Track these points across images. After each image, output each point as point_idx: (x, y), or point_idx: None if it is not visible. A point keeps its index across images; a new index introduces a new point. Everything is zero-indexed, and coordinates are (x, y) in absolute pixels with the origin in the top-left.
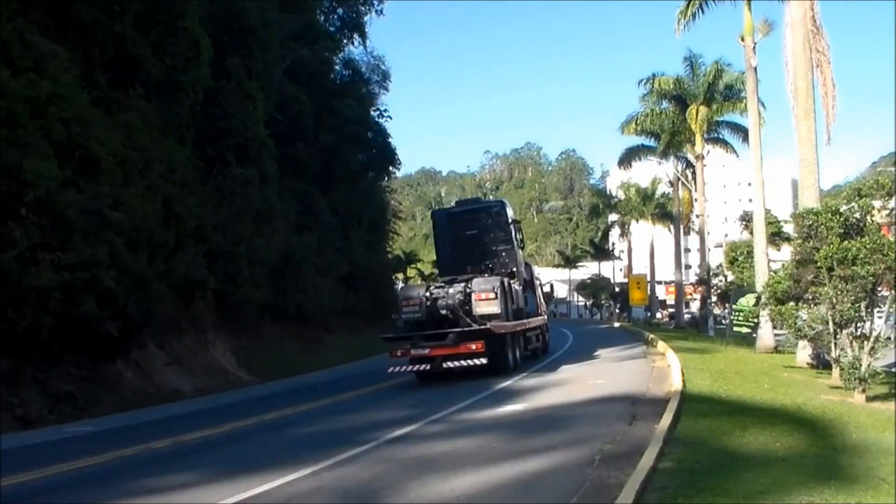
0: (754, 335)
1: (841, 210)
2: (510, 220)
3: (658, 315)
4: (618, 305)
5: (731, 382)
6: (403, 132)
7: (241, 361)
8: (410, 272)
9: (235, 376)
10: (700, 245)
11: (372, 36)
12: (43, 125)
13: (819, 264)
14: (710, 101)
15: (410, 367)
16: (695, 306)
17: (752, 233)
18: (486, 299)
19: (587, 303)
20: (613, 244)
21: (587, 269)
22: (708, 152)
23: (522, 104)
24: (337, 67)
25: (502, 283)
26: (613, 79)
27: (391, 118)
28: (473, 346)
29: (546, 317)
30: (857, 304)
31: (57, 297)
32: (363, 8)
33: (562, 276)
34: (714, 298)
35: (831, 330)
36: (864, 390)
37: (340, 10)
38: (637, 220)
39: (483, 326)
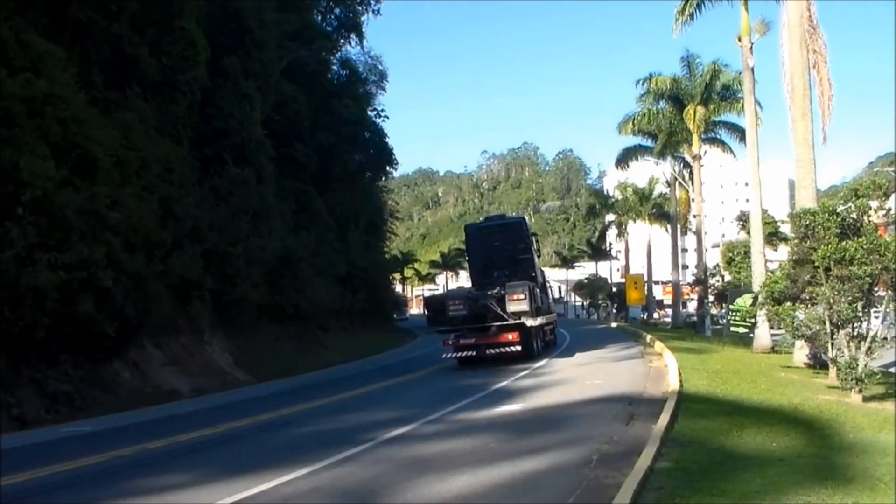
0: (751, 335)
1: (838, 210)
2: (529, 233)
3: (655, 315)
4: (615, 305)
5: (728, 382)
6: (400, 132)
7: (238, 361)
8: (408, 272)
9: (232, 376)
10: (697, 245)
11: (369, 36)
12: (40, 125)
13: (816, 264)
14: (707, 101)
15: (458, 354)
16: (692, 306)
17: (749, 233)
18: (517, 299)
19: (584, 303)
20: (610, 244)
21: (584, 270)
22: (705, 152)
23: (520, 104)
24: (334, 67)
25: (529, 286)
26: (611, 79)
27: (388, 118)
28: (510, 337)
29: (555, 314)
30: (854, 305)
31: (54, 297)
32: (360, 8)
33: (559, 277)
34: (711, 298)
35: (828, 330)
36: (860, 390)
37: (337, 10)
38: (634, 221)
39: (517, 321)
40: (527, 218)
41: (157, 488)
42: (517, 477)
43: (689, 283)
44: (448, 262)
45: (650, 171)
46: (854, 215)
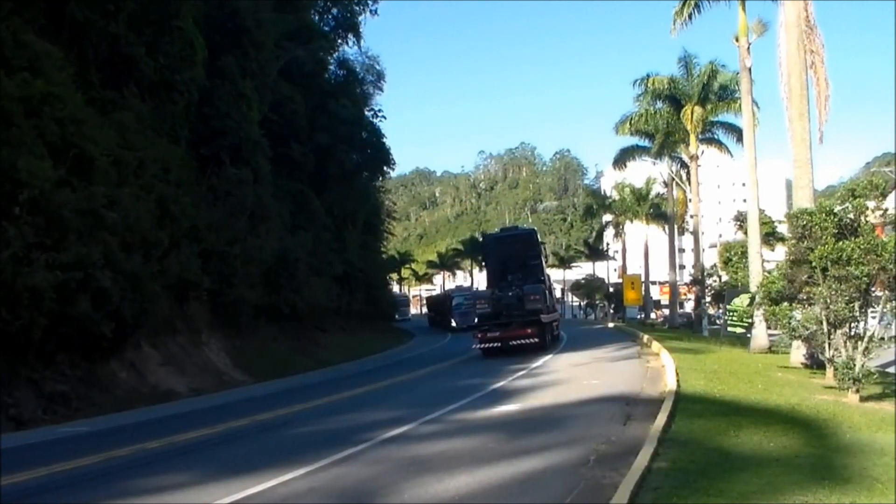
0: (748, 335)
1: (835, 210)
2: (539, 243)
3: (652, 315)
4: (612, 306)
5: (725, 382)
6: (398, 132)
7: (235, 361)
8: (405, 272)
9: (230, 376)
10: (694, 245)
11: (366, 36)
12: (37, 125)
13: (813, 264)
14: (704, 101)
15: (485, 345)
16: (689, 306)
17: (746, 233)
18: (534, 299)
19: (581, 303)
20: (608, 244)
21: (581, 270)
22: (702, 152)
23: (517, 104)
24: (331, 67)
25: (542, 289)
26: (608, 79)
27: (385, 118)
28: (529, 331)
29: (558, 313)
30: (851, 305)
31: (51, 297)
32: (357, 8)
33: (556, 277)
34: (708, 299)
35: (825, 330)
36: (857, 390)
37: (335, 10)
38: (631, 221)
39: (535, 318)
40: (536, 229)
41: (154, 488)
42: (515, 477)
43: (686, 284)
44: (445, 263)
45: (647, 172)
46: (851, 215)
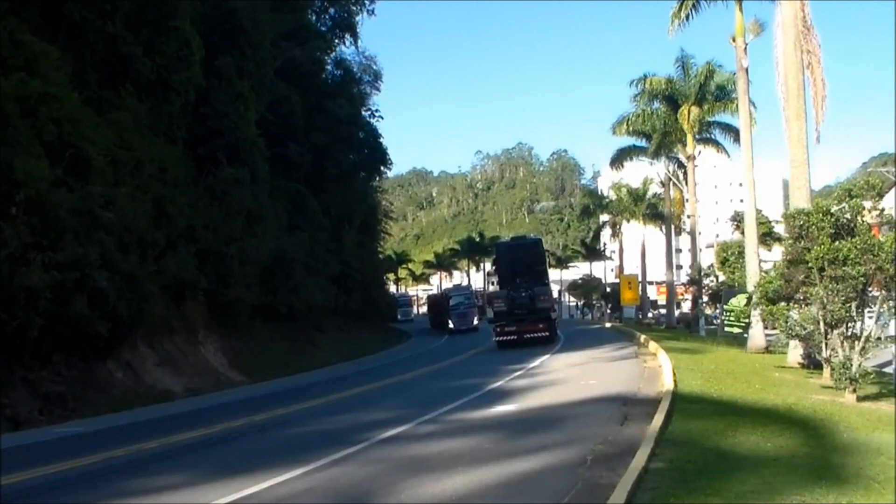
0: (745, 335)
1: (832, 210)
2: (544, 251)
3: (649, 315)
4: (609, 306)
5: (722, 382)
6: (395, 132)
7: (232, 362)
8: (402, 272)
9: (226, 376)
10: (691, 245)
11: (363, 36)
12: (34, 124)
13: (810, 264)
14: (701, 101)
15: (503, 338)
16: (686, 306)
17: (743, 233)
18: (544, 299)
19: (578, 303)
20: (605, 244)
21: (578, 270)
22: (699, 153)
23: (514, 104)
24: (328, 67)
25: (550, 290)
26: (605, 79)
27: (382, 118)
28: (541, 325)
29: (557, 312)
30: (848, 304)
31: (47, 297)
32: (355, 8)
33: (553, 277)
34: (705, 299)
35: (822, 330)
36: (854, 390)
37: (332, 10)
38: (628, 221)
39: (545, 315)
40: (542, 238)
41: (151, 489)
42: (512, 477)
43: (683, 284)
44: (442, 263)
45: (644, 172)
46: (848, 215)
